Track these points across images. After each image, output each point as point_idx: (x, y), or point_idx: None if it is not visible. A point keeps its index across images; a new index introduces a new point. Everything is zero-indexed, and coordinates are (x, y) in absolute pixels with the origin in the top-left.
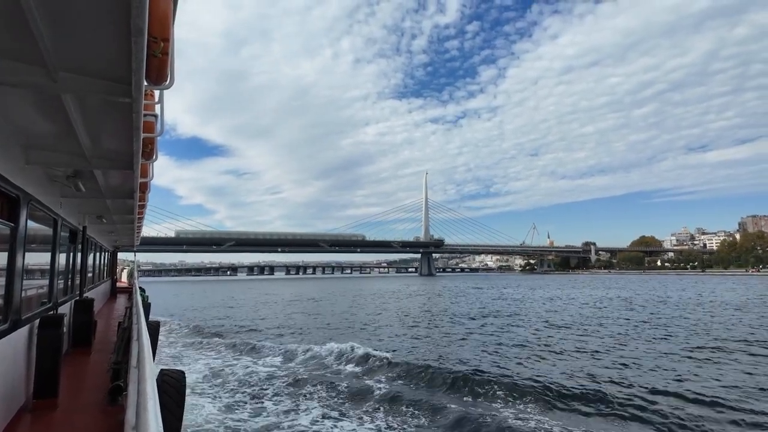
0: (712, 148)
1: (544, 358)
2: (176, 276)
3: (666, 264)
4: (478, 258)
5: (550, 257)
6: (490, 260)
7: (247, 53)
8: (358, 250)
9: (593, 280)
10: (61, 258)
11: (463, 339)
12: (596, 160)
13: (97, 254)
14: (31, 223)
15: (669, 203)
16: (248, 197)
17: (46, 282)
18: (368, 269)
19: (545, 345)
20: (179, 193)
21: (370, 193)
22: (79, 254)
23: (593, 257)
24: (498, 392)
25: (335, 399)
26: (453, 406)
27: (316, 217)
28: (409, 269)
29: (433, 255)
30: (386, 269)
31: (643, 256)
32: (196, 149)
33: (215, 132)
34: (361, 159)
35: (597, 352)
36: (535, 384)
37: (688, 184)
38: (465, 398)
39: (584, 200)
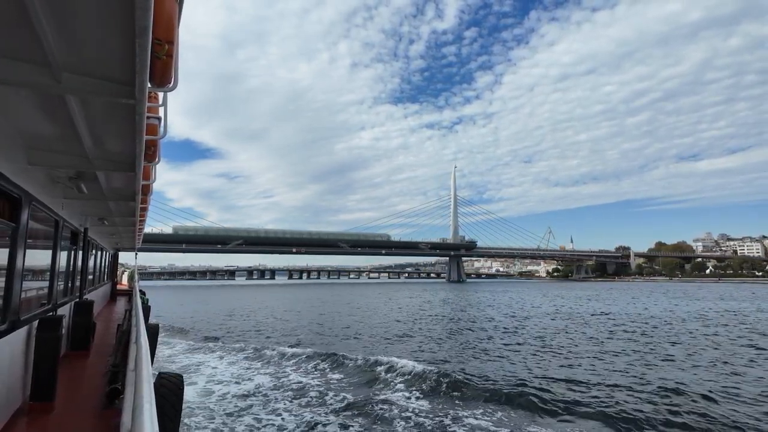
0: (703, 158)
1: None
2: (168, 279)
3: (718, 270)
4: (477, 264)
5: (590, 263)
6: (500, 265)
7: (243, 56)
8: (383, 251)
9: (682, 290)
10: (62, 259)
11: None
12: (589, 168)
13: (98, 256)
14: (32, 224)
15: (661, 212)
16: (240, 200)
17: (46, 283)
18: (376, 274)
19: None
20: (170, 196)
21: (363, 198)
22: (80, 256)
23: (633, 263)
24: None
25: None
26: None
27: (309, 221)
28: (416, 275)
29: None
30: (387, 275)
31: (681, 262)
32: (188, 151)
33: (208, 135)
34: (355, 163)
35: None
36: None
37: (678, 192)
38: None
39: (577, 207)
